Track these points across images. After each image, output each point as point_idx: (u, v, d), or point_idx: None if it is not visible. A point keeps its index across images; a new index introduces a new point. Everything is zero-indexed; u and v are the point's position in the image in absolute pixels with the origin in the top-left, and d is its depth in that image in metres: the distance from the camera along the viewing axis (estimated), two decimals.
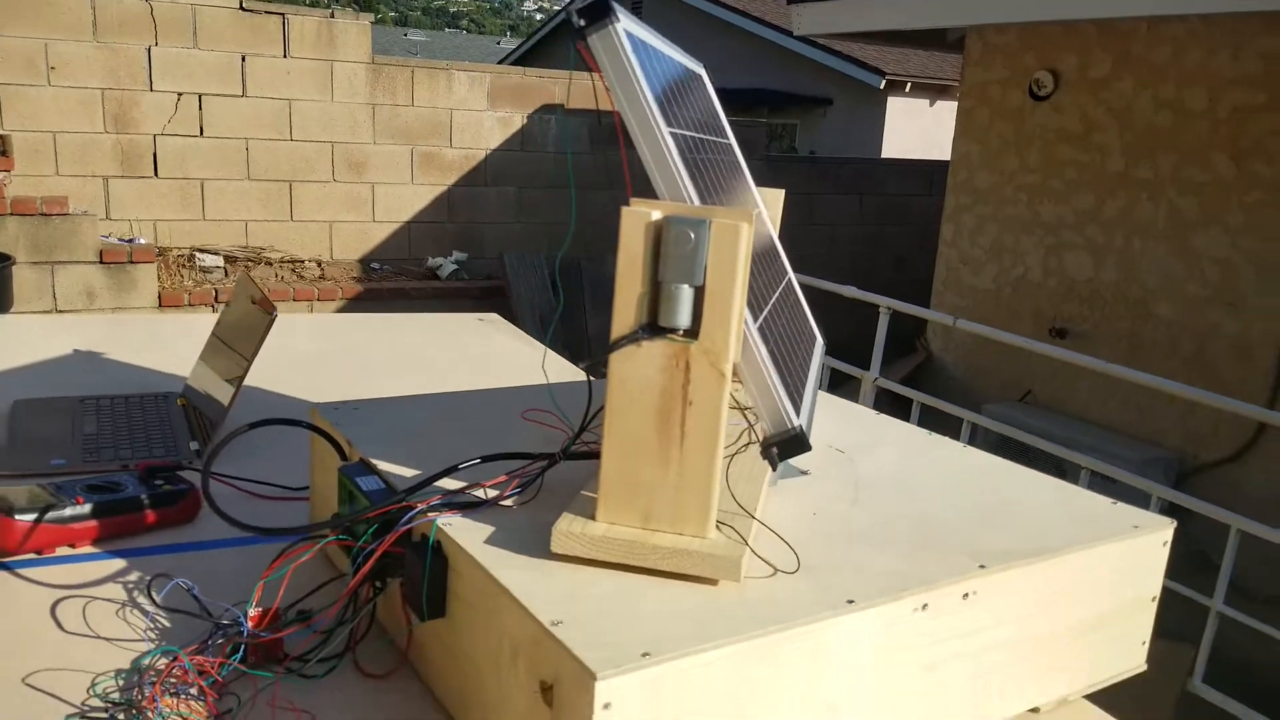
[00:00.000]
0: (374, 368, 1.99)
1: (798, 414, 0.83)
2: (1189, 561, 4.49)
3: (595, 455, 0.99)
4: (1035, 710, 0.95)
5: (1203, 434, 4.52)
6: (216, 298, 5.57)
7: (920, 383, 6.09)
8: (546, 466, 0.96)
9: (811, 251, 8.91)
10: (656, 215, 0.77)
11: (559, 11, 18.10)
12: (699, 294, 0.77)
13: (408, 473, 0.98)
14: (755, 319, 0.85)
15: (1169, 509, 3.06)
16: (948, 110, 16.00)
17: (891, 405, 5.34)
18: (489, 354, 2.19)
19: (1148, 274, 4.84)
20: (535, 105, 6.92)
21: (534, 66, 18.00)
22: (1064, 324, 5.23)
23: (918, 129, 15.79)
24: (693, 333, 0.77)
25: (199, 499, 1.20)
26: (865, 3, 5.47)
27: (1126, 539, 0.96)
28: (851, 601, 0.77)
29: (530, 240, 7.06)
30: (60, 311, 4.97)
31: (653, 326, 0.78)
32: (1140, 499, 3.53)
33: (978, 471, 1.13)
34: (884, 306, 3.74)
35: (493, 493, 0.92)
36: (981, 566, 0.85)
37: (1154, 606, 1.02)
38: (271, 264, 6.03)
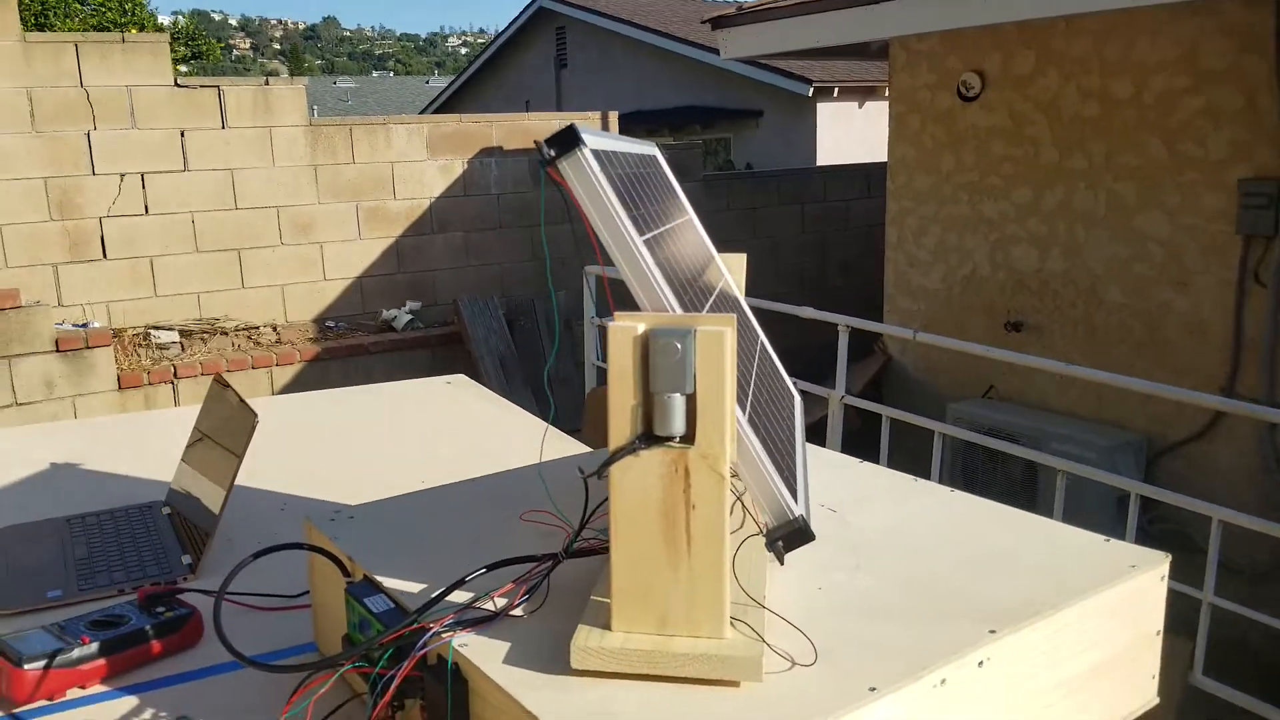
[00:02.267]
0: (353, 450, 1.98)
1: (796, 501, 0.86)
2: (1170, 543, 4.59)
3: (597, 551, 1.01)
4: None
5: (1166, 415, 4.63)
6: (176, 374, 5.50)
7: (884, 387, 6.16)
8: (550, 568, 0.97)
9: (758, 265, 9.00)
10: (641, 328, 0.79)
11: (486, 47, 18.10)
12: (690, 401, 0.79)
13: (414, 586, 0.98)
14: (744, 410, 0.87)
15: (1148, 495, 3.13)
16: (877, 110, 16.27)
17: (860, 414, 5.44)
18: (463, 423, 2.19)
19: (1094, 260, 4.95)
20: (474, 150, 6.93)
21: (466, 104, 17.93)
22: (1018, 317, 5.33)
23: (850, 131, 16.03)
24: (688, 438, 0.79)
25: (201, 623, 1.20)
26: (787, 24, 5.56)
27: (1126, 580, 0.99)
28: (874, 689, 0.79)
29: (482, 284, 7.05)
30: (20, 404, 4.87)
31: (649, 436, 0.80)
32: (1115, 490, 3.59)
33: (966, 519, 1.16)
34: (842, 325, 3.79)
35: (501, 602, 0.93)
36: (992, 631, 0.88)
37: (1159, 640, 1.05)
38: (227, 334, 5.97)
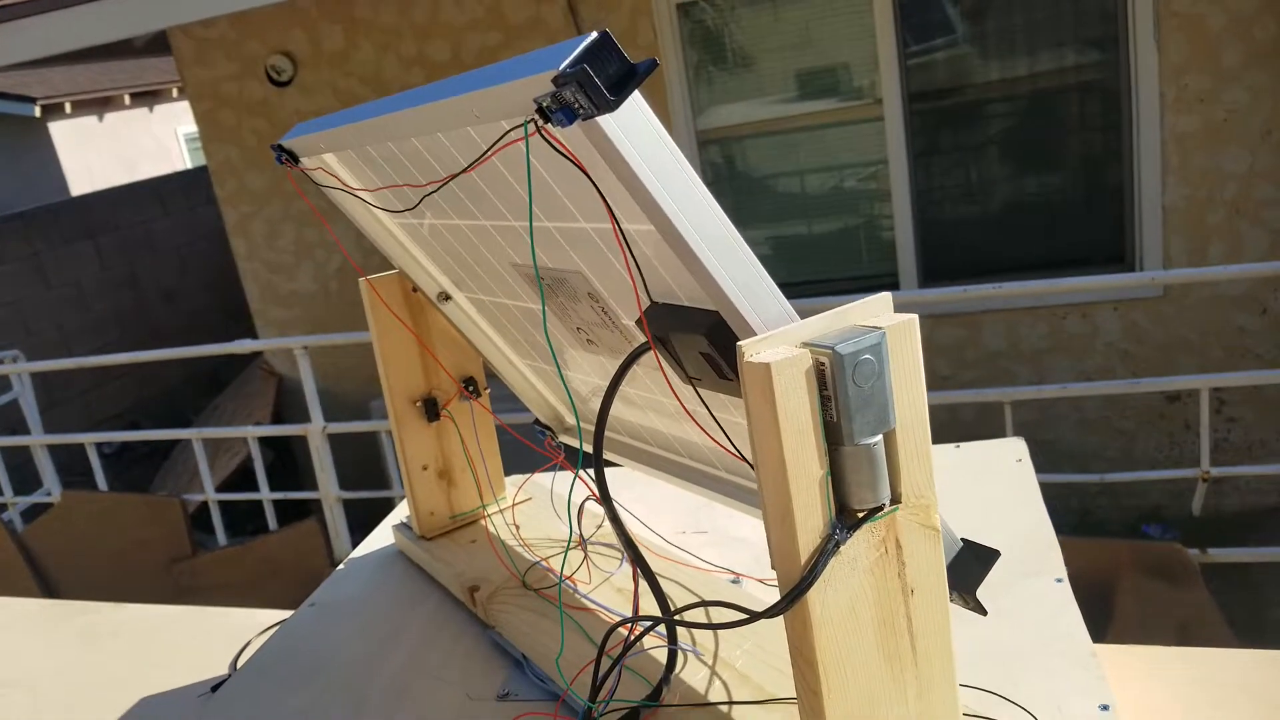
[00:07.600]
0: None
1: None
2: None
3: None
4: None
5: None
6: None
7: (283, 408, 5.65)
8: None
9: (66, 317, 7.57)
10: (803, 353, 0.48)
11: None
12: (889, 439, 0.51)
13: None
14: None
15: None
16: (120, 121, 14.73)
17: (273, 445, 4.95)
18: None
19: None
20: None
21: None
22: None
23: (100, 150, 14.33)
24: (894, 495, 0.52)
25: None
26: (45, 21, 4.58)
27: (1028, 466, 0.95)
28: (1106, 707, 0.62)
29: None
30: None
31: (846, 515, 0.50)
32: None
33: None
34: (299, 348, 3.29)
35: None
36: (1058, 579, 0.77)
37: None
38: None
